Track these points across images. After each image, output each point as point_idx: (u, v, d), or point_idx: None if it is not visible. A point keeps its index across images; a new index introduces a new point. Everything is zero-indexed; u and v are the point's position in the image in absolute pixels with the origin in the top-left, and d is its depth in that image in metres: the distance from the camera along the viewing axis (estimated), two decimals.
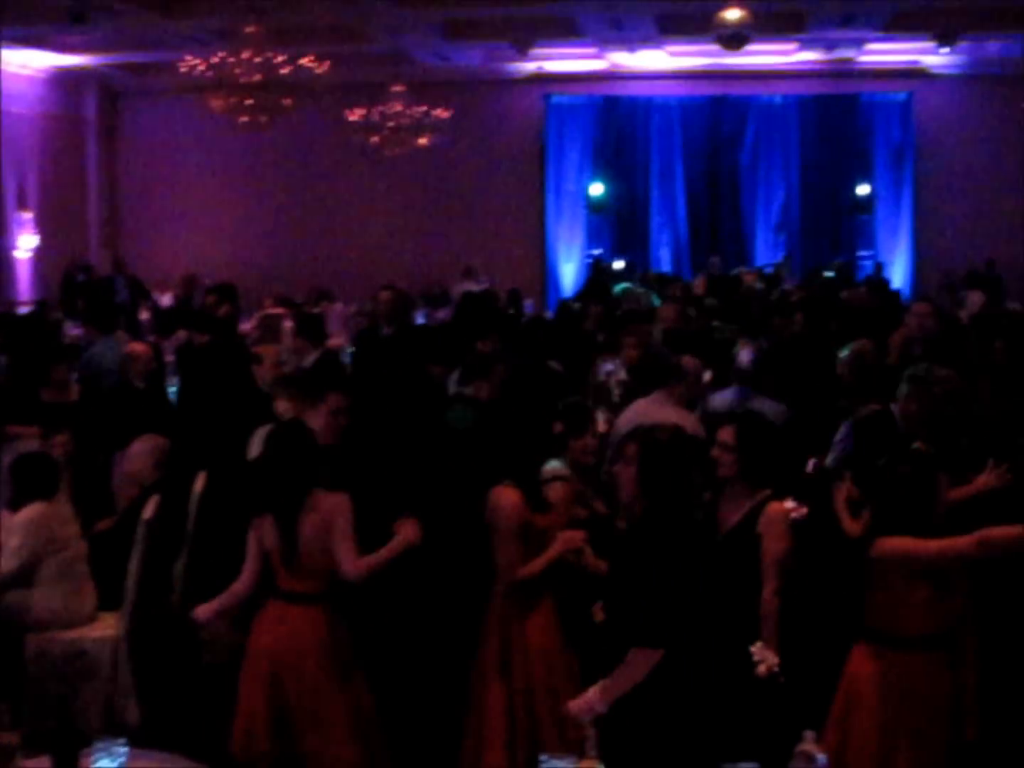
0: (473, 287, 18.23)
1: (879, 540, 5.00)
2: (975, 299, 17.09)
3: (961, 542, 4.94)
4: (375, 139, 19.88)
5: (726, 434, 5.63)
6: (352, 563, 5.48)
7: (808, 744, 4.08)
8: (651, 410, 7.17)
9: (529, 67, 21.89)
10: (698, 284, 18.17)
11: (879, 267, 21.73)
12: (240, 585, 5.63)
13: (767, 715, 5.02)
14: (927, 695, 4.97)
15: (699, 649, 4.64)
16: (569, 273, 23.47)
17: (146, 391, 9.45)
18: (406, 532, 5.56)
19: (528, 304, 17.81)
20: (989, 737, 5.22)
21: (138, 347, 10.00)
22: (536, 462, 5.88)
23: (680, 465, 4.86)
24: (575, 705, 4.71)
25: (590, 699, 4.65)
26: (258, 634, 5.56)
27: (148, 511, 6.80)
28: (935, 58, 20.54)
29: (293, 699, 5.44)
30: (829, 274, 19.42)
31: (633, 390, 8.21)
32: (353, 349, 12.01)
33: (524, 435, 5.87)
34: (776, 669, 5.13)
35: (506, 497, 5.67)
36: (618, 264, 21.94)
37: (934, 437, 6.24)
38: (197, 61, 15.66)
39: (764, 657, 5.11)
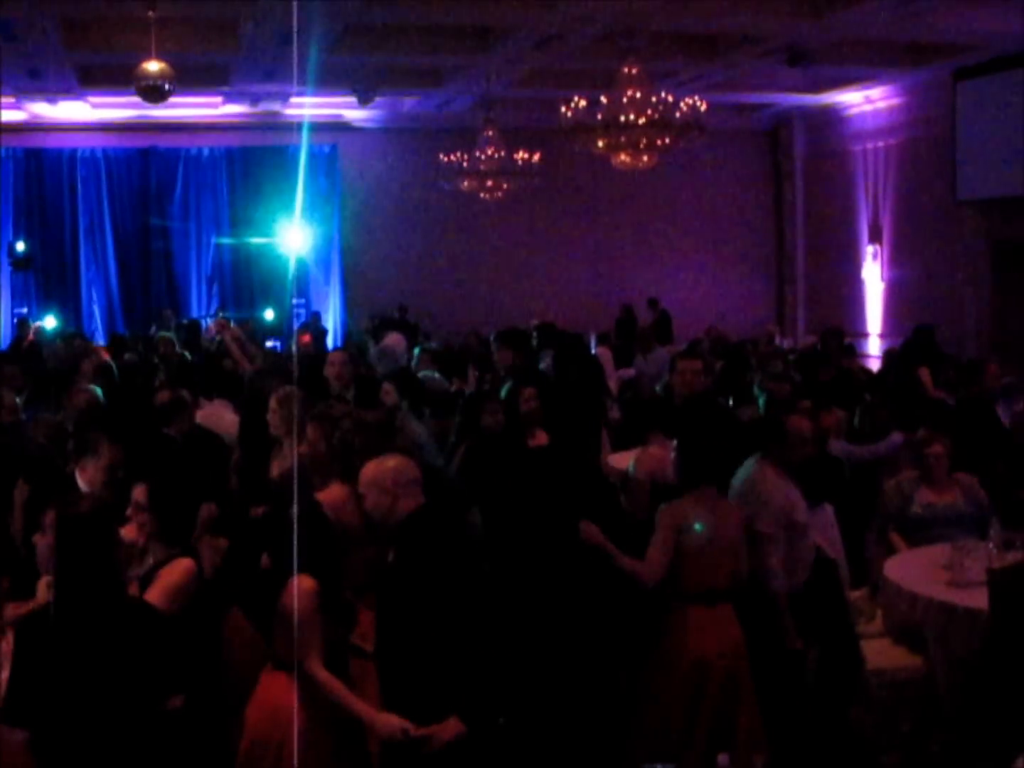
0: None
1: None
2: (392, 340, 17.62)
3: None
4: None
5: (139, 493, 5.49)
6: None
7: None
8: None
9: None
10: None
11: (316, 316, 22.20)
12: None
13: None
14: None
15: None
16: None
17: None
18: None
19: None
20: None
21: None
22: None
23: (98, 536, 4.61)
24: None
25: None
26: None
27: None
28: (357, 112, 21.33)
29: None
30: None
31: None
32: None
33: None
34: None
35: None
36: (49, 322, 21.16)
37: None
38: None
39: None
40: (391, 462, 5.41)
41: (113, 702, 4.42)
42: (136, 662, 4.50)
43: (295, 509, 5.08)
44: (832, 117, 23.09)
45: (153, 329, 19.58)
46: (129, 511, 5.47)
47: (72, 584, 4.52)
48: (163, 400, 8.89)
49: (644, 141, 14.47)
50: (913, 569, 6.97)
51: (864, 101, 21.78)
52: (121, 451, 6.73)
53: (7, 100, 19.69)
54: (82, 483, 6.65)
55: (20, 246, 22.24)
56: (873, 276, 21.92)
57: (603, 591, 6.24)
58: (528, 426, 8.17)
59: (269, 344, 18.33)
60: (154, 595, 5.09)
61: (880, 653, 6.78)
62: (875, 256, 21.85)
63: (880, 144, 21.74)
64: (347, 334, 22.15)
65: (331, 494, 6.23)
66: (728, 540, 6.21)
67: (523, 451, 7.69)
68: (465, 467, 7.57)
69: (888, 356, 15.06)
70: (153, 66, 14.73)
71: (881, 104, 21.58)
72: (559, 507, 6.45)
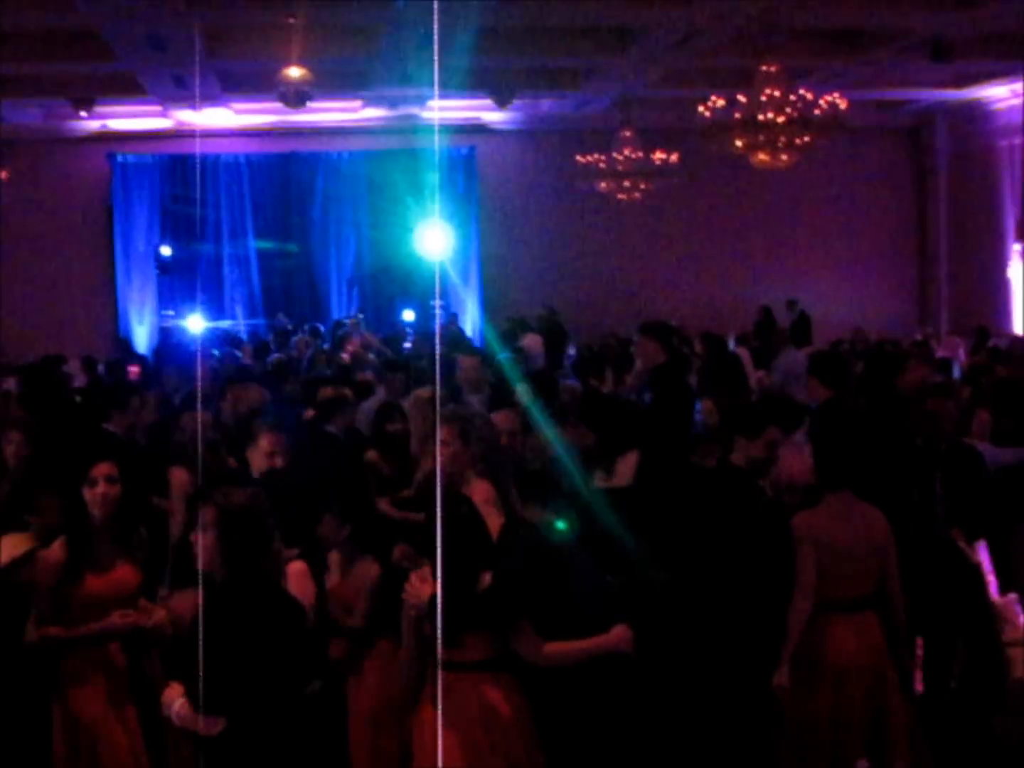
0: None
1: None
2: (529, 342, 17.67)
3: None
4: None
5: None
6: None
7: None
8: None
9: (92, 125, 21.33)
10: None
11: (453, 317, 22.28)
12: None
13: None
14: None
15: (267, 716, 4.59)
16: (143, 336, 22.95)
17: None
18: None
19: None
20: None
21: None
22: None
23: (259, 530, 4.74)
24: None
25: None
26: None
27: None
28: (494, 114, 21.41)
29: None
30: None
31: None
32: None
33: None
34: None
35: (47, 553, 5.55)
36: (195, 323, 21.59)
37: None
38: None
39: None
40: None
41: (273, 688, 4.55)
42: (290, 648, 4.65)
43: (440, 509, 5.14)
44: (977, 112, 22.57)
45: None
46: None
47: (238, 576, 4.65)
48: (325, 396, 8.99)
49: (783, 140, 14.32)
50: None
51: (1010, 95, 21.22)
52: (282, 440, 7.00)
53: (154, 108, 20.21)
54: (254, 470, 7.00)
55: (166, 251, 22.79)
56: (1019, 275, 21.38)
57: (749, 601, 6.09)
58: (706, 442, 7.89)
59: (407, 346, 18.56)
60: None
61: None
62: (1021, 255, 21.31)
63: None
64: (481, 336, 22.23)
65: (478, 492, 6.28)
66: (868, 546, 6.02)
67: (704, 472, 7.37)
68: (646, 481, 7.27)
69: None
70: (294, 71, 15.00)
71: None
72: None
